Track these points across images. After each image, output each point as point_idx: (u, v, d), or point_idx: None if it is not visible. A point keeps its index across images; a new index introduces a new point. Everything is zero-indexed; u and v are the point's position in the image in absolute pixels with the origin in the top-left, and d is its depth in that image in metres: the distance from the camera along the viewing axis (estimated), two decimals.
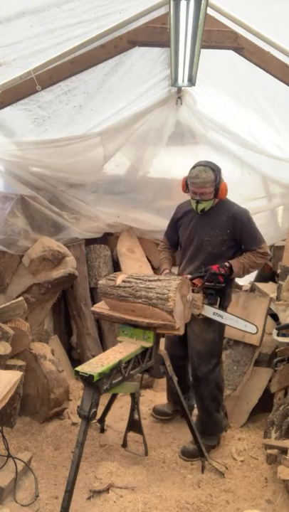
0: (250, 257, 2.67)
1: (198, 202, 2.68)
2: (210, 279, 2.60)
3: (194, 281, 2.67)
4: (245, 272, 2.68)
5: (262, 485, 2.49)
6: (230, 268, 2.64)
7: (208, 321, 2.69)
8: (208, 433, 2.80)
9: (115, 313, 2.53)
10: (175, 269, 3.06)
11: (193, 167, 2.68)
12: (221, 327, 2.77)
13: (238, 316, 2.64)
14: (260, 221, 4.08)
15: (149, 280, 2.45)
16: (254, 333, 2.63)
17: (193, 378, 2.80)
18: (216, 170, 2.65)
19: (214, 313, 2.61)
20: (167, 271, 2.93)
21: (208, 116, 3.65)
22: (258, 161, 3.75)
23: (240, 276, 2.69)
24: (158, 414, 3.18)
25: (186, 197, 2.86)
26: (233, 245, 2.74)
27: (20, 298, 3.03)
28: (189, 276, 2.69)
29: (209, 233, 2.71)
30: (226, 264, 2.64)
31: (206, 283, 2.61)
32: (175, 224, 2.97)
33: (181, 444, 2.89)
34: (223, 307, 2.75)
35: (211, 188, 2.63)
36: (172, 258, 3.08)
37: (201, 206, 2.70)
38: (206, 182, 2.60)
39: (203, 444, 2.67)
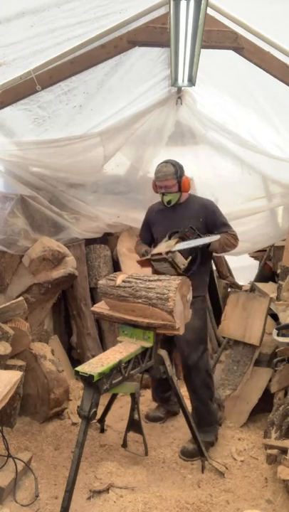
0: (226, 236, 2.87)
1: (163, 194, 2.90)
2: (190, 233, 2.73)
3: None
4: (221, 246, 2.83)
5: (262, 485, 2.48)
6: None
7: (193, 309, 2.73)
8: (205, 424, 2.82)
9: (115, 313, 2.53)
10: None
11: (157, 166, 2.94)
12: (204, 314, 2.89)
13: (201, 237, 2.70)
14: (260, 221, 4.10)
15: (149, 280, 2.45)
16: (215, 240, 2.69)
17: (185, 368, 2.85)
18: (176, 165, 2.90)
19: (186, 244, 2.66)
20: (149, 249, 3.02)
21: (208, 116, 3.65)
22: (258, 161, 3.75)
23: (217, 250, 2.85)
24: (152, 420, 3.20)
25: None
26: (205, 233, 2.89)
27: (20, 298, 3.03)
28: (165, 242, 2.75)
29: (184, 223, 2.87)
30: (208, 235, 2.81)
31: (186, 234, 2.72)
32: (148, 223, 3.14)
33: (181, 444, 2.89)
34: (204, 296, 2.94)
35: (173, 180, 2.86)
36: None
37: (166, 198, 2.91)
38: (167, 175, 2.85)
39: (202, 442, 2.68)
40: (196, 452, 2.68)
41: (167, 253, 2.60)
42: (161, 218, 3.03)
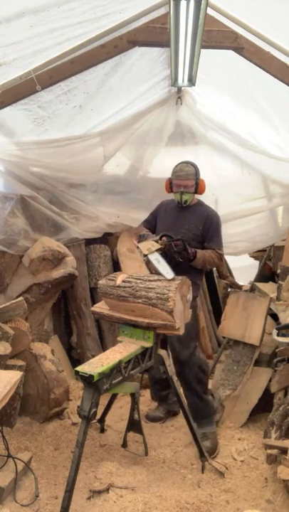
0: (211, 254, 2.92)
1: (182, 193, 2.97)
2: (178, 244, 2.72)
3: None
4: (204, 263, 2.87)
5: (262, 485, 2.49)
6: (195, 253, 2.81)
7: None
8: (204, 415, 2.88)
9: (115, 313, 2.53)
10: None
11: (176, 165, 3.03)
12: (194, 311, 2.93)
13: (168, 265, 2.59)
14: (260, 221, 4.10)
15: (149, 280, 2.45)
16: (169, 279, 2.51)
17: (177, 364, 2.87)
18: (195, 167, 3.01)
19: (156, 259, 2.64)
20: (149, 232, 3.08)
21: (208, 116, 3.65)
22: (258, 161, 3.74)
23: (198, 265, 2.86)
24: (152, 420, 3.22)
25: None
26: (201, 242, 2.98)
27: (20, 298, 3.03)
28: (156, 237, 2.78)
29: (184, 226, 2.95)
30: (194, 249, 2.83)
31: (173, 242, 2.71)
32: (155, 216, 3.23)
33: (181, 444, 2.90)
34: (196, 297, 2.97)
35: (193, 181, 2.96)
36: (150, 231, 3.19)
37: (185, 197, 2.98)
38: (189, 174, 2.95)
39: (208, 433, 2.80)
40: (214, 447, 2.80)
41: (145, 255, 2.65)
42: (167, 216, 3.10)
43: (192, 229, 2.96)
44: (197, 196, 3.12)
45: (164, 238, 2.75)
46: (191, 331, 2.84)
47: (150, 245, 2.70)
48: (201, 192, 3.01)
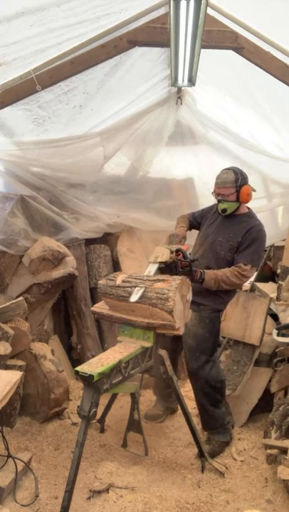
0: (226, 273, 2.67)
1: (219, 201, 2.82)
2: (184, 265, 2.56)
3: (178, 254, 2.62)
4: (217, 283, 2.65)
5: (262, 485, 2.49)
6: (203, 275, 2.63)
7: (199, 316, 2.78)
8: (208, 427, 2.87)
9: (115, 313, 2.53)
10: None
11: (221, 171, 2.84)
12: (211, 325, 2.81)
13: (142, 288, 2.39)
14: None
15: (149, 280, 2.45)
16: (130, 300, 2.38)
17: (187, 371, 2.90)
18: (238, 173, 2.77)
19: (148, 271, 2.57)
20: (184, 229, 3.01)
21: (208, 117, 3.65)
22: (258, 161, 3.75)
23: (211, 287, 2.66)
24: (151, 419, 3.20)
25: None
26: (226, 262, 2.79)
27: (21, 298, 3.03)
28: (177, 247, 2.66)
29: (224, 235, 2.80)
30: (202, 271, 2.64)
31: (181, 262, 2.57)
32: (202, 214, 3.11)
33: (181, 444, 2.90)
34: (218, 311, 2.87)
35: (231, 189, 2.74)
36: (187, 227, 3.11)
37: (221, 206, 2.81)
38: (226, 182, 2.74)
39: (216, 441, 2.80)
40: (213, 452, 2.77)
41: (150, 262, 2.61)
42: (212, 219, 2.96)
43: (231, 239, 2.76)
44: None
45: (179, 253, 2.58)
46: (202, 343, 2.78)
47: (161, 253, 2.58)
48: (244, 200, 2.77)
